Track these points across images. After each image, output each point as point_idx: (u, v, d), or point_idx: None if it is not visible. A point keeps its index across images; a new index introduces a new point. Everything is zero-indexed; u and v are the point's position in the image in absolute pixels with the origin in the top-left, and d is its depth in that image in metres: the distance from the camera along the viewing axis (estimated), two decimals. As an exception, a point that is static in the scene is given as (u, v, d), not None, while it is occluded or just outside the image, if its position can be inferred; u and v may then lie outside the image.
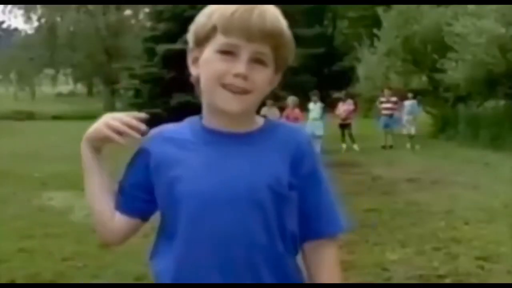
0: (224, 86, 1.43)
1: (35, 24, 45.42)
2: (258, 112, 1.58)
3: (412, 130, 16.76)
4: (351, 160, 13.73)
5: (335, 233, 1.61)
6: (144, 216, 1.62)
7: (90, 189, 1.62)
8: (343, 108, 17.00)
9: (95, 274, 5.10)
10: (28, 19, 45.85)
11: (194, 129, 1.54)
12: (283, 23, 1.48)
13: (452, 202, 8.38)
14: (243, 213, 1.43)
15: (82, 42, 39.87)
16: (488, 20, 15.43)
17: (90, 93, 53.38)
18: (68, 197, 8.77)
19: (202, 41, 1.47)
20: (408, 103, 17.07)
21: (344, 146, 16.30)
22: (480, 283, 4.86)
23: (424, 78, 22.28)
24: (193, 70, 1.52)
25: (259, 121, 1.56)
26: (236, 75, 1.41)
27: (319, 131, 15.49)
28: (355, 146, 16.24)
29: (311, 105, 15.98)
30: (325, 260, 1.58)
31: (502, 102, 18.18)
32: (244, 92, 1.43)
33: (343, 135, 16.65)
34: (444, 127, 19.11)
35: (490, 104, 18.46)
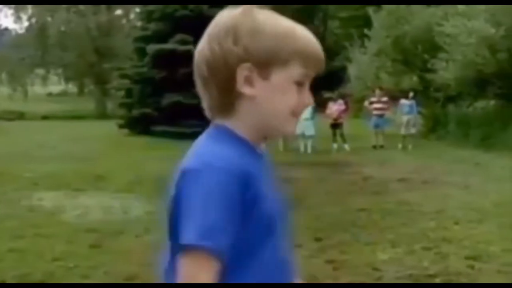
0: (294, 115, 1.45)
1: (25, 23, 45.26)
2: None
3: (413, 130, 16.77)
4: (342, 160, 13.75)
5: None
6: None
7: None
8: (335, 107, 17.02)
9: (85, 274, 5.09)
10: (18, 19, 45.67)
11: (250, 150, 1.46)
12: None
13: (442, 202, 8.41)
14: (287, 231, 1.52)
15: (72, 42, 39.72)
16: (478, 20, 15.51)
17: (81, 93, 53.21)
18: (59, 197, 8.75)
19: (269, 64, 1.40)
20: (407, 103, 17.07)
21: (335, 146, 16.32)
22: (471, 283, 4.87)
23: (415, 78, 22.37)
24: (246, 90, 1.41)
25: None
26: (306, 106, 1.47)
27: (310, 131, 15.54)
28: (346, 146, 16.26)
29: (302, 106, 16.00)
30: None
31: (492, 102, 18.28)
32: None
33: (334, 135, 16.67)
34: (434, 127, 19.18)
35: (480, 104, 18.54)
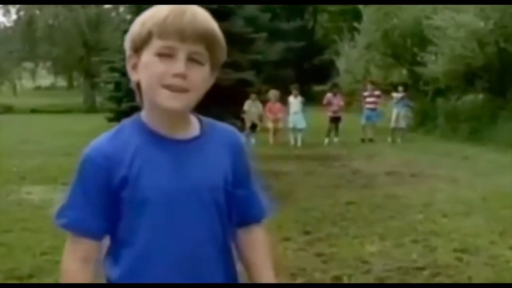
0: (165, 87, 1.50)
1: (14, 17, 44.90)
2: (241, 105, 1.64)
3: (402, 124, 16.73)
4: (331, 154, 13.77)
5: (263, 218, 1.77)
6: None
7: None
8: (335, 101, 16.94)
9: (74, 269, 5.07)
10: (6, 12, 45.30)
11: (143, 134, 1.58)
12: (213, 23, 1.56)
13: (430, 195, 8.45)
14: (206, 213, 1.57)
15: (61, 36, 39.41)
16: (467, 14, 15.54)
17: (70, 86, 52.90)
18: (47, 191, 8.72)
19: (139, 47, 1.54)
20: (399, 96, 17.06)
21: (327, 140, 16.27)
22: (465, 283, 4.90)
23: (404, 72, 22.42)
24: (133, 76, 1.59)
25: (195, 121, 1.65)
26: (175, 75, 1.49)
27: (301, 124, 15.59)
28: (336, 139, 16.29)
29: (291, 99, 16.04)
30: (257, 242, 1.74)
31: (480, 96, 18.33)
32: (184, 90, 1.51)
33: (330, 130, 16.60)
34: (423, 121, 19.24)
35: (468, 98, 18.60)
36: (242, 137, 1.78)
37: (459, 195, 8.44)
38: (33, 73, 48.65)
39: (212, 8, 2.38)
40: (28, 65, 46.90)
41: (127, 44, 1.58)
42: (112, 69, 25.42)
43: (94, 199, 1.54)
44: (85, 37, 38.90)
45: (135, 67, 1.57)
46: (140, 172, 1.52)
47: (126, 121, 1.63)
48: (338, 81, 23.60)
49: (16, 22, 43.71)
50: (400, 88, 17.24)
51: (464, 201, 7.98)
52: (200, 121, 1.65)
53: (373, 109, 16.94)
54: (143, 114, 1.60)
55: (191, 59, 1.51)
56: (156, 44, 1.50)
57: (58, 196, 7.14)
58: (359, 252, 5.61)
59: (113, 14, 43.12)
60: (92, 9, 39.39)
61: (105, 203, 1.54)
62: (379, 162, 12.28)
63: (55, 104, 34.40)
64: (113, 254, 1.58)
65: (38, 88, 52.12)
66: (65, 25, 39.25)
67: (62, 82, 54.17)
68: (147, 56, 1.52)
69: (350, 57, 22.36)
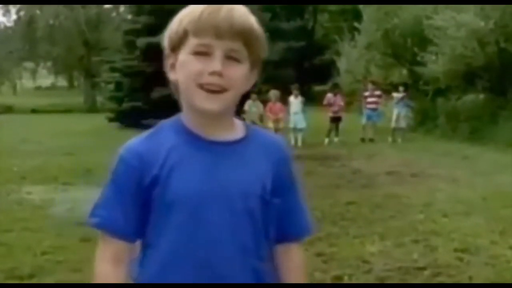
0: (201, 86, 1.45)
1: (14, 17, 44.90)
2: (242, 105, 1.62)
3: (403, 124, 16.75)
4: (331, 154, 13.76)
5: (304, 236, 1.70)
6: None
7: None
8: (337, 102, 16.95)
9: (75, 268, 5.07)
10: (6, 12, 45.30)
11: (180, 134, 1.53)
12: (251, 19, 1.51)
13: (431, 195, 8.45)
14: (236, 220, 1.49)
15: (62, 35, 39.46)
16: (468, 13, 15.53)
17: (70, 86, 52.95)
18: (47, 191, 8.73)
19: (176, 46, 1.50)
20: (399, 96, 17.05)
21: (327, 140, 16.27)
22: (465, 283, 4.89)
23: (404, 72, 22.40)
24: (171, 76, 1.54)
25: (240, 126, 1.58)
26: (212, 73, 1.44)
27: (301, 124, 15.60)
28: (336, 139, 16.30)
29: (291, 99, 16.05)
30: (294, 262, 1.66)
31: (481, 96, 18.32)
32: (221, 90, 1.45)
33: (330, 130, 16.60)
34: (423, 121, 19.22)
35: (469, 97, 18.59)
36: (289, 148, 1.69)
37: (459, 194, 8.44)
38: (34, 73, 48.70)
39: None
40: (29, 65, 46.96)
41: (165, 43, 1.54)
42: (113, 69, 25.53)
43: (127, 200, 1.51)
44: (85, 36, 38.93)
45: (173, 66, 1.53)
46: (171, 171, 1.47)
47: (165, 122, 1.57)
48: (339, 81, 23.60)
49: (16, 22, 43.75)
50: (400, 88, 17.24)
51: (464, 201, 7.98)
52: (246, 127, 1.59)
53: (374, 109, 16.94)
54: (183, 115, 1.55)
55: (229, 57, 1.46)
56: (192, 42, 1.46)
57: (59, 196, 7.17)
58: (359, 252, 5.61)
59: (113, 14, 43.16)
60: (93, 9, 39.40)
61: (137, 204, 1.50)
62: (379, 162, 12.28)
63: (56, 104, 34.42)
64: (139, 255, 1.55)
65: (38, 88, 52.18)
66: (66, 25, 39.30)
67: (62, 82, 54.23)
68: (184, 55, 1.48)
69: (351, 57, 22.36)
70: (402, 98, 16.92)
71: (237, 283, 1.50)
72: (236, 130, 1.57)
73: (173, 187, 1.47)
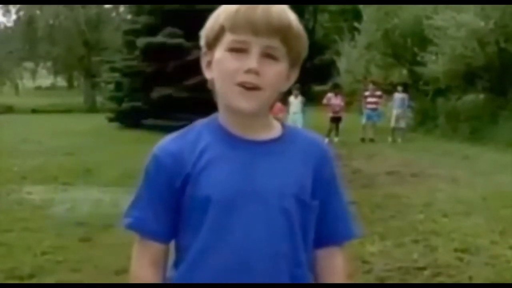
0: (237, 84, 1.41)
1: (14, 17, 44.90)
2: None
3: (402, 124, 16.77)
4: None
5: (348, 240, 1.68)
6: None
7: None
8: (337, 102, 16.96)
9: (75, 268, 5.07)
10: (6, 12, 45.30)
11: (215, 133, 1.50)
12: (291, 16, 1.47)
13: (431, 195, 8.45)
14: (270, 221, 1.44)
15: (61, 35, 39.44)
16: (468, 13, 15.54)
17: (70, 86, 52.93)
18: (47, 191, 8.72)
19: (212, 43, 1.46)
20: (399, 96, 17.09)
21: (326, 140, 16.27)
22: (465, 283, 4.89)
23: (404, 72, 22.40)
24: (207, 74, 1.50)
25: (277, 126, 1.54)
26: (248, 71, 1.39)
27: (300, 124, 15.57)
28: (336, 139, 16.30)
29: (291, 99, 16.04)
30: (335, 268, 1.62)
31: (481, 96, 18.33)
32: (257, 88, 1.41)
33: (331, 130, 16.62)
34: (423, 121, 19.23)
35: (469, 97, 18.60)
36: (331, 148, 1.66)
37: (459, 194, 8.44)
38: (34, 73, 48.67)
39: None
40: (29, 65, 46.92)
41: (202, 40, 1.50)
42: (113, 69, 25.51)
43: (159, 199, 1.48)
44: (85, 36, 38.89)
45: (209, 65, 1.49)
46: (204, 169, 1.44)
47: (200, 121, 1.54)
48: (339, 81, 23.60)
49: (16, 22, 43.73)
50: (400, 88, 17.26)
51: (464, 201, 7.98)
52: (283, 126, 1.55)
53: (374, 109, 16.95)
54: (219, 114, 1.52)
55: (266, 54, 1.41)
56: (228, 39, 1.42)
57: (59, 196, 7.17)
58: (360, 252, 5.60)
59: (113, 14, 43.15)
60: (93, 9, 39.37)
61: (169, 203, 1.47)
62: (379, 162, 12.29)
63: (56, 104, 34.38)
64: (174, 256, 1.53)
65: (38, 88, 52.12)
66: (66, 25, 39.26)
67: (62, 82, 54.22)
68: (220, 52, 1.44)
69: (351, 57, 22.36)
70: (402, 98, 16.93)
71: (262, 283, 1.45)
72: (273, 129, 1.53)
73: (206, 186, 1.43)
